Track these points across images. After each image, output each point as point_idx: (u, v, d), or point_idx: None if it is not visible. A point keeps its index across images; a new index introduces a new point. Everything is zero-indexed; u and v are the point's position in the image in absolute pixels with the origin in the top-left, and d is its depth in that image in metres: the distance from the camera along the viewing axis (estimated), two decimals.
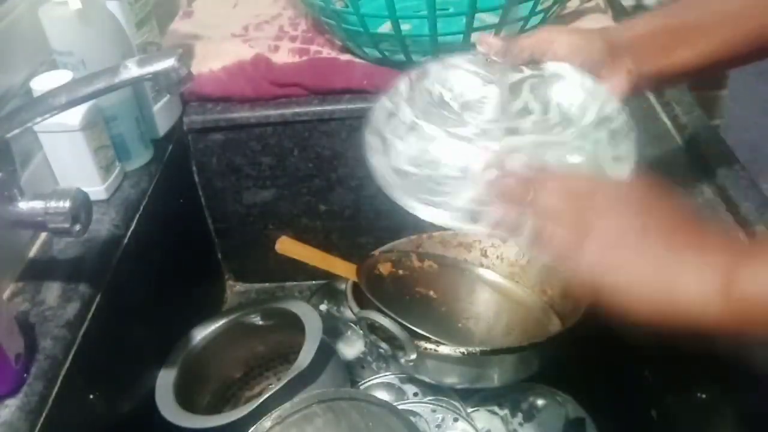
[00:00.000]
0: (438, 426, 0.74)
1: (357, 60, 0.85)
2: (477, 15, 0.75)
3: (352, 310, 0.75)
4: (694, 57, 0.57)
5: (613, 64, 0.57)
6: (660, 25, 0.58)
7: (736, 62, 0.59)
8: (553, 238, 0.43)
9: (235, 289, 1.00)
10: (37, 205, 0.53)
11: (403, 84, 0.60)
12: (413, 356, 0.69)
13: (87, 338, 0.58)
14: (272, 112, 0.84)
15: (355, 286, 0.76)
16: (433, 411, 0.75)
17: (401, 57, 0.81)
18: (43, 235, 0.66)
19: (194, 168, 0.88)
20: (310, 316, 0.73)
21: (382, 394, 0.78)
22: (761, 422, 0.47)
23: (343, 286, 0.85)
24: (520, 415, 0.75)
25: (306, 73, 0.84)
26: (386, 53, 0.82)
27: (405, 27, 0.80)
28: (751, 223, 0.58)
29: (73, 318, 0.58)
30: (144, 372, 0.71)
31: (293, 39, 0.89)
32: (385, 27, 0.82)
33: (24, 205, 0.53)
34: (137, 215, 0.71)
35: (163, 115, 0.79)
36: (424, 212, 0.50)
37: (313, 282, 0.97)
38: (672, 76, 0.59)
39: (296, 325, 0.73)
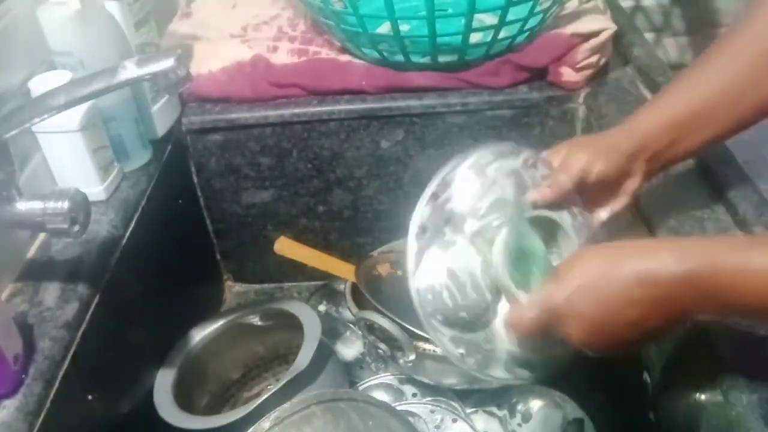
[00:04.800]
0: (437, 427, 0.74)
1: (356, 60, 0.85)
2: (476, 16, 0.75)
3: (350, 311, 0.75)
4: (700, 143, 0.58)
5: (630, 169, 0.59)
6: (666, 122, 0.57)
7: (741, 131, 0.59)
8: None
9: (233, 289, 1.00)
10: (36, 205, 0.53)
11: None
12: (412, 357, 0.69)
13: (85, 339, 0.58)
14: (271, 113, 0.84)
15: (354, 286, 0.76)
16: (432, 412, 0.75)
17: (400, 58, 0.82)
18: (42, 236, 0.66)
19: (193, 169, 0.88)
20: (309, 317, 0.73)
21: (381, 395, 0.78)
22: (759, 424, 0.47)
23: (341, 287, 0.85)
24: (518, 416, 0.74)
25: (305, 73, 0.84)
26: (385, 54, 0.82)
27: (404, 28, 0.80)
28: (750, 223, 0.59)
29: (72, 318, 0.58)
30: (142, 373, 0.71)
31: (292, 39, 0.89)
32: (384, 28, 0.82)
33: (22, 206, 0.53)
34: (136, 216, 0.71)
35: (161, 115, 0.79)
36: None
37: (312, 283, 0.97)
38: (677, 161, 0.62)
39: (295, 325, 0.73)
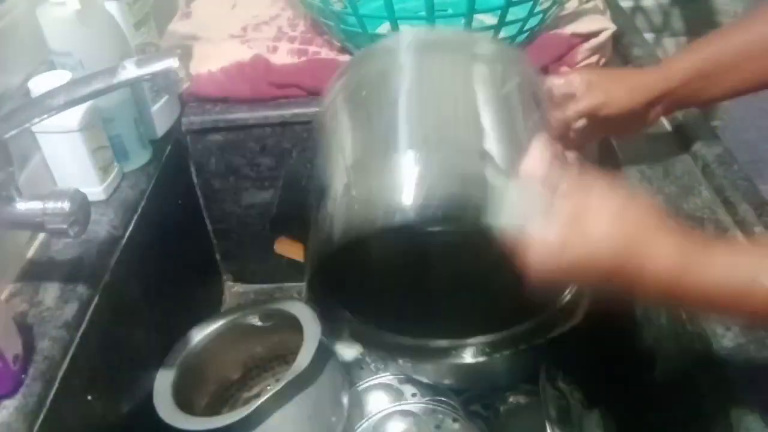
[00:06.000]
0: (437, 426, 0.74)
1: None
2: (475, 16, 0.75)
3: None
4: (720, 94, 0.62)
5: (646, 110, 0.61)
6: (694, 71, 0.60)
7: (755, 91, 0.62)
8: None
9: (233, 290, 1.00)
10: (36, 205, 0.53)
11: None
12: None
13: (85, 339, 0.58)
14: (271, 113, 0.84)
15: None
16: (432, 411, 0.75)
17: None
18: (42, 236, 0.66)
19: (193, 169, 0.88)
20: (309, 318, 0.73)
21: (381, 395, 0.78)
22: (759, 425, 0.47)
23: None
24: (502, 416, 0.74)
25: (304, 73, 0.84)
26: None
27: (404, 28, 0.80)
28: (750, 224, 0.59)
29: (72, 319, 0.58)
30: (142, 373, 0.71)
31: (292, 40, 0.89)
32: (384, 28, 0.82)
33: (22, 206, 0.53)
34: (135, 216, 0.71)
35: (161, 115, 0.79)
36: None
37: None
38: (693, 106, 0.66)
39: (295, 326, 0.73)
